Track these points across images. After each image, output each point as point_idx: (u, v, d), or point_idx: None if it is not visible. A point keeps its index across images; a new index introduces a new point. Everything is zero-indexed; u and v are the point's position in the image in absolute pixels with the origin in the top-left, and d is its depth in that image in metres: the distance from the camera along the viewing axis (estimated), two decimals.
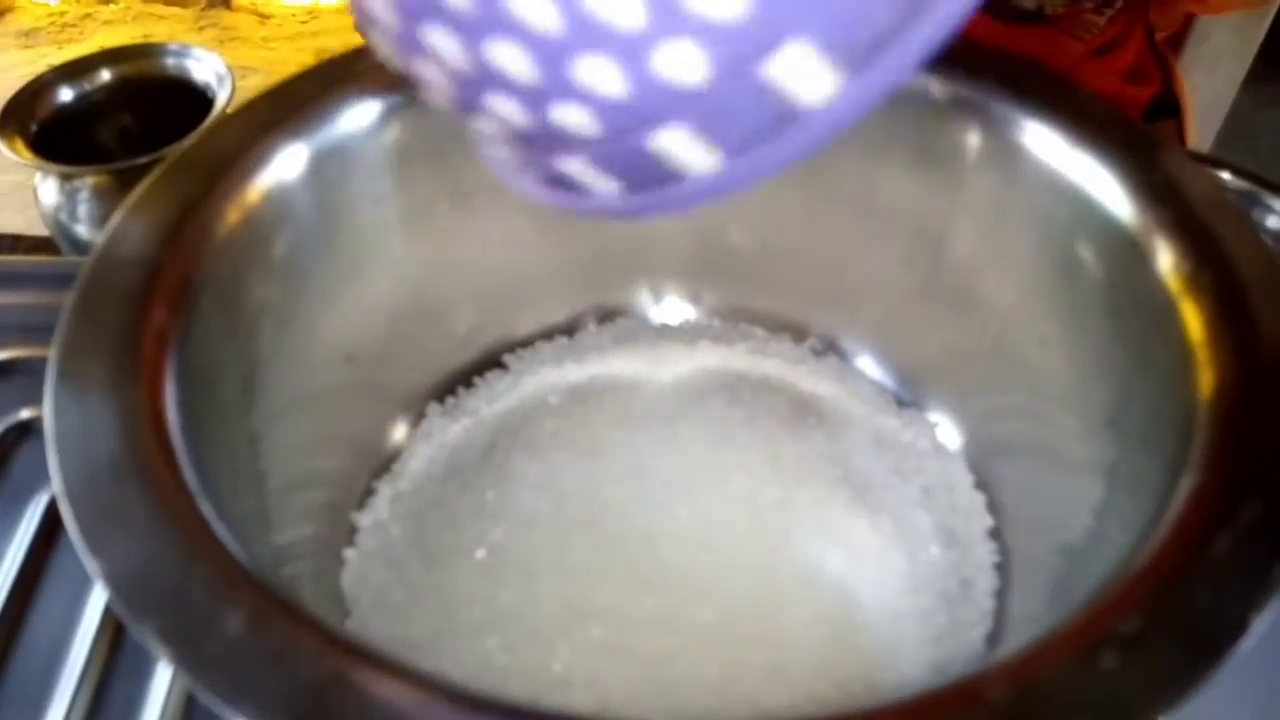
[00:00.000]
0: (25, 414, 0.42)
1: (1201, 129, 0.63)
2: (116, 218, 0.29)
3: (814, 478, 0.35)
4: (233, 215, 0.30)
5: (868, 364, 0.41)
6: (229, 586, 0.22)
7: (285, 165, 0.32)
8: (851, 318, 0.42)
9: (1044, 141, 0.32)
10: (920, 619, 0.32)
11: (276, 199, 0.32)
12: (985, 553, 0.35)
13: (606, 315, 0.43)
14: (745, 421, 0.38)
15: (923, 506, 0.36)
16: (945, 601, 0.33)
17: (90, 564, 0.22)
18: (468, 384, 0.41)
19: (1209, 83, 0.69)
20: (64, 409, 0.25)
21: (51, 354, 0.26)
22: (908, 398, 0.40)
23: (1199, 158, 0.46)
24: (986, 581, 0.34)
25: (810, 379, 0.41)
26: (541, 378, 0.41)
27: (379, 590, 0.34)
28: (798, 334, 0.42)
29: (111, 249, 0.28)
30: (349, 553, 0.35)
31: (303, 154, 0.33)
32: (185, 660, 0.20)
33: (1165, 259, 0.28)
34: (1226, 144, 0.79)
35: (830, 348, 0.42)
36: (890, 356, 0.41)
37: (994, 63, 0.34)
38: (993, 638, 0.33)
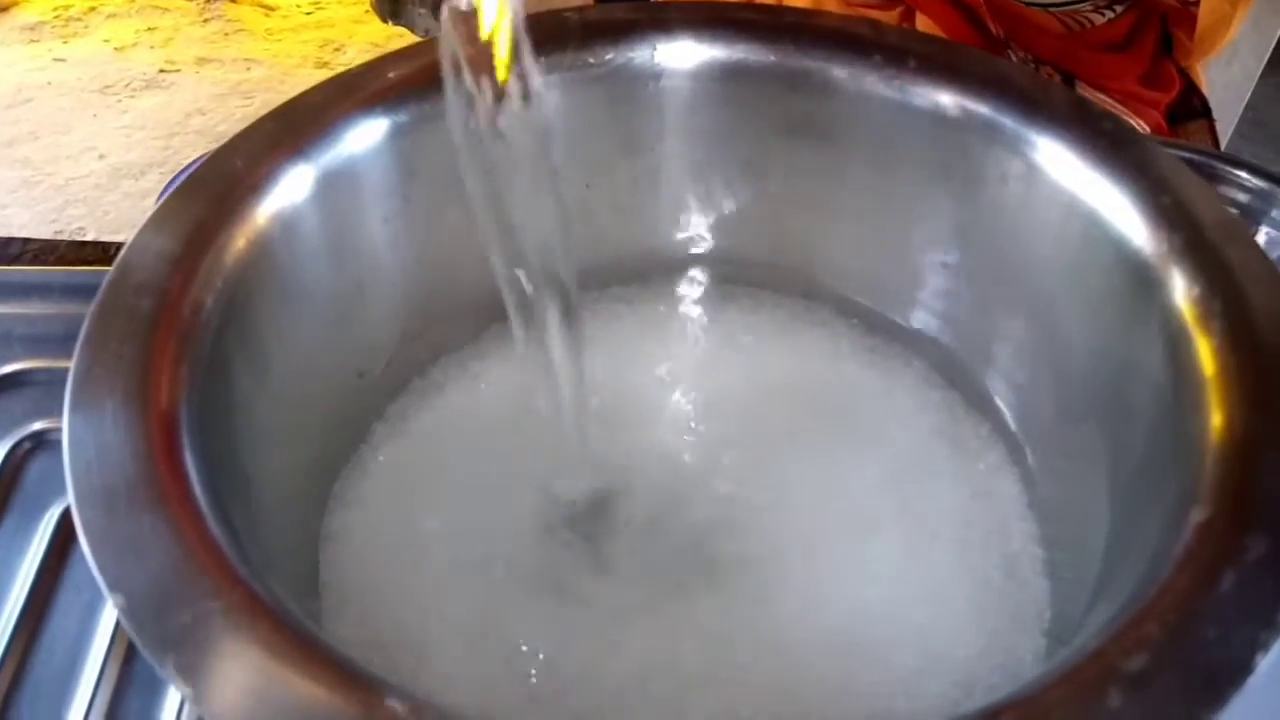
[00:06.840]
0: (38, 425, 0.42)
1: (1219, 122, 0.63)
2: (127, 245, 0.29)
3: (864, 497, 0.34)
4: (241, 239, 0.30)
5: None
6: (245, 622, 0.22)
7: (293, 186, 0.32)
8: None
9: (1058, 161, 0.32)
10: (968, 646, 0.32)
11: (285, 220, 0.32)
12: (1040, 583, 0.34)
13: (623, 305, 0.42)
14: (788, 435, 0.36)
15: (979, 527, 0.35)
16: (997, 625, 0.32)
17: (111, 599, 0.23)
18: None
19: (1225, 76, 0.69)
20: (79, 439, 0.25)
21: (67, 388, 0.26)
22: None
23: (1218, 156, 0.45)
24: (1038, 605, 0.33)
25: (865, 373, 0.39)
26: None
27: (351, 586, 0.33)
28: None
29: (123, 277, 0.28)
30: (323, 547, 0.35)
31: (310, 174, 0.33)
32: (201, 698, 0.21)
33: (1178, 285, 0.28)
34: (1246, 134, 0.78)
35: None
36: None
37: (1010, 78, 0.34)
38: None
